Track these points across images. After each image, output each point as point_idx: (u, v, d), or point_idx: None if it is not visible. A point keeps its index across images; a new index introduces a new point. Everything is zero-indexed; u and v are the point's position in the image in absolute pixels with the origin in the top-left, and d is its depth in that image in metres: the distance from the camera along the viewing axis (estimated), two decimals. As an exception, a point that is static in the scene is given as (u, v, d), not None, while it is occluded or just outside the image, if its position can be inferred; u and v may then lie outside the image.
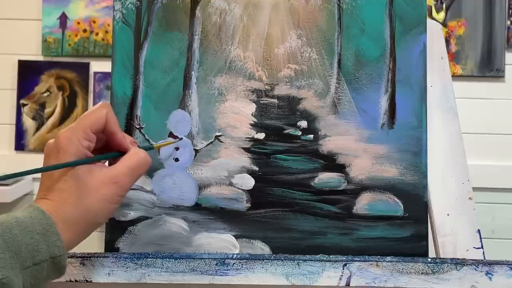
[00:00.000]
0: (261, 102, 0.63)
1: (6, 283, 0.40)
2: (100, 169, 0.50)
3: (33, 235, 0.44)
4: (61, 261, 0.46)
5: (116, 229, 0.61)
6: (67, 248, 0.47)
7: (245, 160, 0.62)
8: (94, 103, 1.99)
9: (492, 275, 0.55)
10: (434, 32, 0.68)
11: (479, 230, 0.63)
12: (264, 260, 0.55)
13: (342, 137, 0.62)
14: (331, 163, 0.62)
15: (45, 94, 2.01)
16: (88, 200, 0.48)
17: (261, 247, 0.61)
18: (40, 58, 2.02)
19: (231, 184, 0.62)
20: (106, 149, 0.54)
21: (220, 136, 0.63)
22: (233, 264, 0.55)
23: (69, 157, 0.48)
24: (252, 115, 0.63)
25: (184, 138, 0.62)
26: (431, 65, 0.66)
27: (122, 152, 0.53)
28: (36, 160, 0.55)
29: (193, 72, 0.63)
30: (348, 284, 0.55)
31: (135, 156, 0.52)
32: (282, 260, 0.56)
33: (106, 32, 2.00)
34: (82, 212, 0.48)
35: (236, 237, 0.61)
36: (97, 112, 0.51)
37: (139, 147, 0.55)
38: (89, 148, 0.50)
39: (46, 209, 0.46)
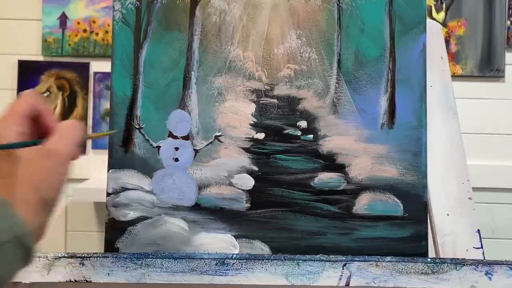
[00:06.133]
0: (260, 102, 0.63)
1: None
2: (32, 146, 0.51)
3: None
4: (26, 241, 0.46)
5: (116, 229, 0.61)
6: (32, 230, 0.47)
7: (244, 160, 0.62)
8: (94, 103, 1.99)
9: (492, 275, 0.55)
10: (434, 32, 0.68)
11: (479, 230, 0.62)
12: (264, 260, 0.55)
13: (341, 137, 0.62)
14: (331, 163, 0.62)
15: (45, 94, 2.01)
16: (31, 177, 0.49)
17: (260, 247, 0.61)
18: (40, 58, 2.02)
19: (230, 184, 0.62)
20: (40, 133, 0.55)
21: (219, 136, 0.63)
22: (233, 264, 0.55)
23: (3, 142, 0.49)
24: (251, 115, 0.63)
25: (119, 130, 0.62)
26: (431, 65, 0.66)
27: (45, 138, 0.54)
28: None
29: (192, 72, 0.63)
30: (347, 284, 0.55)
31: (61, 125, 0.54)
32: (282, 260, 0.56)
33: (106, 32, 2.00)
34: (30, 190, 0.49)
35: (236, 237, 0.61)
36: (25, 97, 0.53)
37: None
38: (23, 133, 0.51)
39: None
